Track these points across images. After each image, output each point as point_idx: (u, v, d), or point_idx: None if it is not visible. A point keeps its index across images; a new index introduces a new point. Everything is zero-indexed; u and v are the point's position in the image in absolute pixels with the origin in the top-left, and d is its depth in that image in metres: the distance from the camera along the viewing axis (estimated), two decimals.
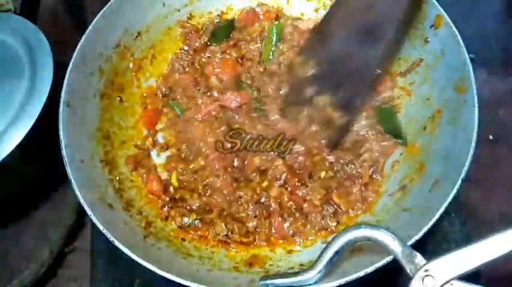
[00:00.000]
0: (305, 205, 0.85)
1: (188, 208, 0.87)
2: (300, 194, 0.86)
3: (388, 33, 0.83)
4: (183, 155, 0.93)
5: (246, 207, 0.86)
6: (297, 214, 0.85)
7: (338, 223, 0.85)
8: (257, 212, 0.85)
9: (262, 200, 0.87)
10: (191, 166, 0.91)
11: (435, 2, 0.88)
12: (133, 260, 0.69)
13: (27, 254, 0.93)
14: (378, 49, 0.85)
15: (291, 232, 0.84)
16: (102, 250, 0.89)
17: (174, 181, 0.90)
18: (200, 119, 0.95)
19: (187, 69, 1.02)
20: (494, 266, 0.59)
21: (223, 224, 0.84)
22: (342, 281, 0.65)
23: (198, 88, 0.99)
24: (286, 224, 0.84)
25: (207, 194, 0.88)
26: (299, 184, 0.87)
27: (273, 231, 0.84)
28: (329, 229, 0.84)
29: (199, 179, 0.89)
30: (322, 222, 0.84)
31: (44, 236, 0.93)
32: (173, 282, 0.68)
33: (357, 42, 0.82)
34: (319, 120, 0.90)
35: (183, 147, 0.93)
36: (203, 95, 0.97)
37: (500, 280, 0.81)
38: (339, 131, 0.89)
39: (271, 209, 0.86)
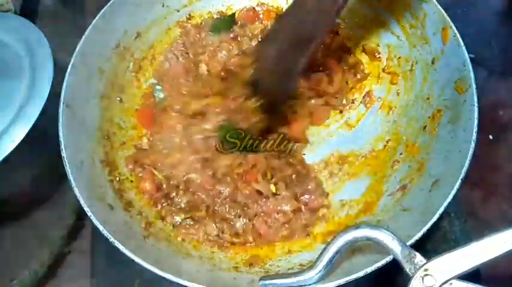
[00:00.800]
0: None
1: (178, 206, 0.87)
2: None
3: (311, 48, 0.85)
4: (159, 146, 0.92)
5: (226, 206, 0.86)
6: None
7: None
8: (238, 211, 0.85)
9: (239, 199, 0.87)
10: (167, 160, 0.90)
11: (435, 1, 0.88)
12: (133, 261, 0.69)
13: (27, 254, 0.94)
14: (301, 63, 0.87)
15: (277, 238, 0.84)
16: (102, 250, 0.89)
17: (161, 176, 0.89)
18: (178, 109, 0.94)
19: (180, 59, 1.02)
20: (494, 265, 0.59)
21: (213, 224, 0.84)
22: (342, 281, 0.65)
23: (186, 79, 0.99)
24: (271, 230, 0.84)
25: (190, 190, 0.88)
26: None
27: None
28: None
29: (179, 174, 0.89)
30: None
31: (44, 236, 0.93)
32: (173, 282, 0.68)
33: (286, 54, 0.86)
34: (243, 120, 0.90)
35: (157, 137, 0.93)
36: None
37: (500, 279, 0.81)
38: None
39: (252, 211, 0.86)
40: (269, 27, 1.04)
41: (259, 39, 1.00)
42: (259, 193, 0.86)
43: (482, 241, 0.59)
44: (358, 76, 1.00)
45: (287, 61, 0.86)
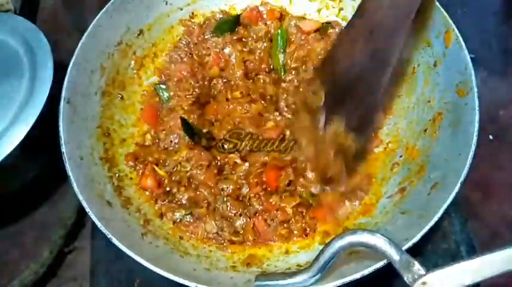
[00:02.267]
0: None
1: (179, 202, 0.87)
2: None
3: (392, 57, 0.81)
4: (162, 144, 0.93)
5: (228, 204, 0.86)
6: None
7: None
8: (240, 210, 0.85)
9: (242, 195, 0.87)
10: (174, 158, 0.90)
11: (437, 4, 0.88)
12: (133, 260, 0.70)
13: (27, 254, 0.94)
14: (384, 73, 0.81)
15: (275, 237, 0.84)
16: (102, 250, 0.89)
17: (162, 172, 0.90)
18: (186, 109, 0.95)
19: (185, 59, 1.02)
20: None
21: (213, 222, 0.84)
22: (339, 282, 0.66)
23: (197, 82, 0.99)
24: (270, 229, 0.84)
25: (192, 187, 0.88)
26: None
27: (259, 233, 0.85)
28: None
29: (182, 171, 0.89)
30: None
31: (44, 236, 0.93)
32: (173, 282, 0.68)
33: (364, 67, 0.80)
34: (333, 148, 0.84)
35: (161, 135, 0.93)
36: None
37: None
38: (355, 157, 0.86)
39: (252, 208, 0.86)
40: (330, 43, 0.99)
41: (324, 59, 0.92)
42: (265, 189, 0.86)
43: (485, 257, 0.57)
44: None
45: (367, 79, 0.80)
